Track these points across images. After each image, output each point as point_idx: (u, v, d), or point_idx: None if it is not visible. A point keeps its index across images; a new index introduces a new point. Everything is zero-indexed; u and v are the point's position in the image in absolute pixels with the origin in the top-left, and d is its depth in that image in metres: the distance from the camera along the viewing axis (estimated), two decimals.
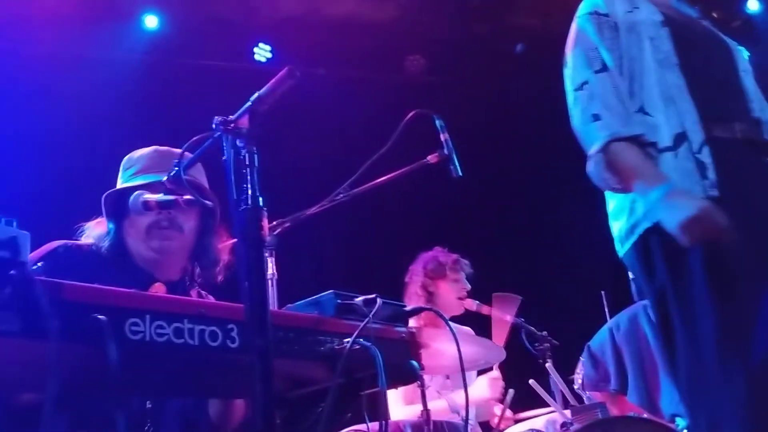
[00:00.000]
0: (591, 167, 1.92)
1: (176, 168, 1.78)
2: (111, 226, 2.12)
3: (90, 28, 5.00)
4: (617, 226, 2.00)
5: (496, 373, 3.50)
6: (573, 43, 2.09)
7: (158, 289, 2.05)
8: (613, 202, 2.03)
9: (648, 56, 1.99)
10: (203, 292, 2.25)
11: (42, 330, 1.20)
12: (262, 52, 5.39)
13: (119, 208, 2.10)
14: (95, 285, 1.36)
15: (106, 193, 2.14)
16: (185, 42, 5.27)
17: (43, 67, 4.76)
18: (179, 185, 1.84)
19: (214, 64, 5.31)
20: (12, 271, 1.19)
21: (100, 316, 1.28)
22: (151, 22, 5.16)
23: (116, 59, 5.10)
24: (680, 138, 1.90)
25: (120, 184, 2.19)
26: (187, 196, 1.95)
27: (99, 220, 2.15)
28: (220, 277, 2.26)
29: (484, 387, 3.55)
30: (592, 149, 1.92)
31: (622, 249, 1.98)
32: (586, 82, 2.00)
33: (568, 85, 2.09)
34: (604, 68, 1.99)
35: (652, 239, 1.86)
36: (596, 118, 1.93)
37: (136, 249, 2.12)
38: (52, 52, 4.81)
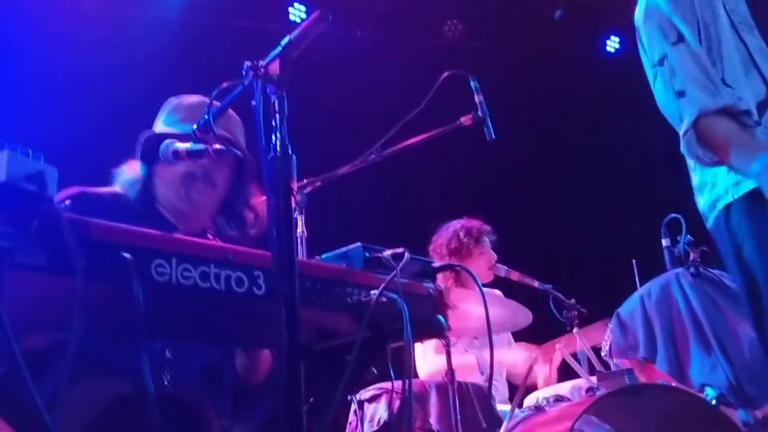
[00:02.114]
0: (683, 146, 1.86)
1: (205, 116, 1.76)
2: (142, 170, 2.10)
3: None
4: (701, 201, 1.96)
5: (535, 355, 3.47)
6: (643, 18, 1.99)
7: None
8: (696, 176, 1.98)
9: (724, 21, 1.91)
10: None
11: (67, 267, 1.20)
12: (297, 12, 5.34)
13: (154, 152, 2.07)
14: (121, 225, 1.35)
15: (144, 135, 2.11)
16: (221, 2, 5.24)
17: (84, 27, 4.78)
18: (209, 134, 1.83)
19: (249, 25, 5.27)
20: (39, 206, 1.18)
21: (126, 255, 1.27)
22: None
23: (154, 19, 5.10)
24: (763, 105, 1.83)
25: (159, 128, 2.16)
26: (217, 146, 1.94)
27: (132, 163, 2.13)
28: (253, 232, 2.22)
29: (519, 358, 3.55)
30: (682, 128, 1.85)
31: (708, 222, 1.95)
32: (665, 57, 1.91)
33: (646, 63, 2.01)
34: (681, 39, 1.90)
35: (737, 211, 1.82)
36: (681, 94, 1.85)
37: (164, 197, 2.10)
38: (94, 10, 4.82)
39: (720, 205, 1.86)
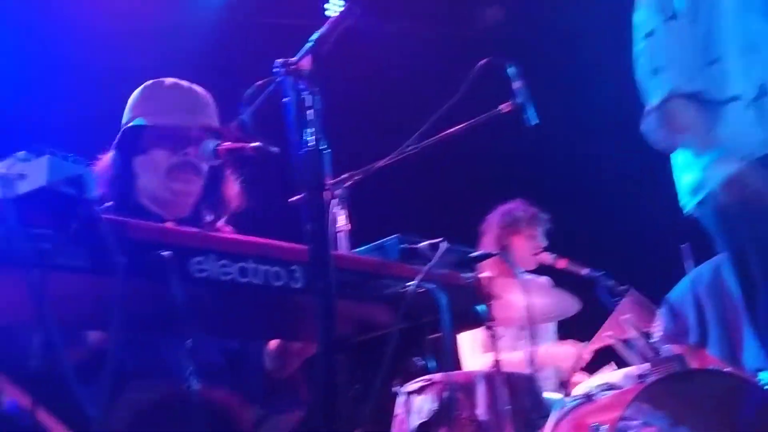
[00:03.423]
0: (645, 123, 1.83)
1: (242, 115, 1.78)
2: (119, 163, 2.03)
3: None
4: (685, 180, 1.91)
5: (585, 348, 3.42)
6: None
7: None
8: (680, 156, 1.94)
9: (727, 0, 1.86)
10: (220, 225, 2.19)
11: (108, 266, 1.23)
12: (334, 7, 5.35)
13: (133, 144, 2.03)
14: (160, 224, 1.38)
15: (127, 126, 2.05)
16: (258, 0, 5.29)
17: (121, 27, 4.87)
18: (246, 132, 1.85)
19: (287, 22, 5.31)
20: (78, 208, 1.22)
21: (164, 253, 1.30)
22: None
23: (191, 18, 5.17)
24: (765, 89, 1.78)
25: (137, 116, 2.08)
26: (255, 144, 1.96)
27: (104, 157, 2.06)
28: (222, 215, 2.18)
29: (567, 353, 3.50)
30: (648, 106, 1.83)
31: (689, 203, 1.91)
32: (653, 32, 1.88)
33: (637, 33, 1.98)
34: (675, 16, 1.86)
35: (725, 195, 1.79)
36: (657, 71, 1.83)
37: (147, 188, 2.05)
38: (131, 10, 4.91)
39: (708, 188, 1.81)
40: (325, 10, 5.38)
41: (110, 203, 1.90)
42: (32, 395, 1.14)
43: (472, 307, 1.75)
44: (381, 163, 2.75)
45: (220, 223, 2.15)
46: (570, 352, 3.54)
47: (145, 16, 4.97)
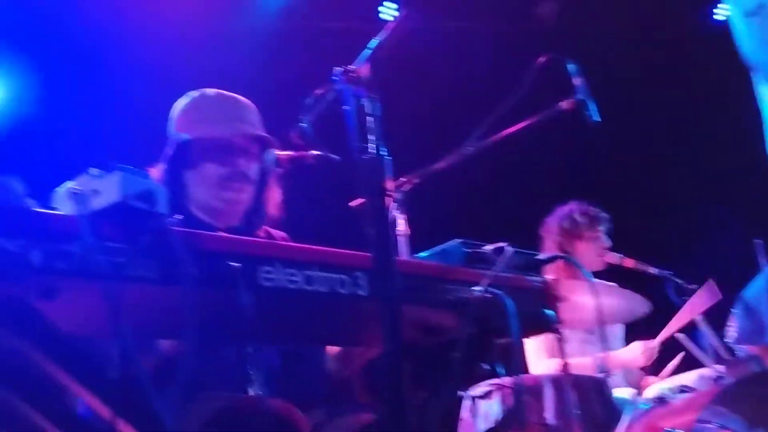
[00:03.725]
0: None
1: (302, 123, 1.80)
2: (170, 177, 2.06)
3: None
4: None
5: (654, 342, 3.34)
6: None
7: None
8: None
9: None
10: (272, 231, 2.21)
11: (178, 277, 1.26)
12: (388, 11, 5.36)
13: (183, 157, 2.07)
14: (228, 234, 1.41)
15: (179, 140, 2.08)
16: (312, 5, 5.33)
17: (177, 42, 4.98)
18: (308, 140, 1.86)
19: (340, 26, 5.34)
20: (150, 222, 1.25)
21: (234, 264, 1.32)
22: None
23: (247, 27, 5.25)
24: None
25: (184, 129, 2.10)
26: (316, 152, 1.97)
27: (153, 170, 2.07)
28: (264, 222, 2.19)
29: (637, 352, 3.41)
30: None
31: None
32: (763, 5, 1.78)
33: (735, 11, 1.88)
34: None
35: None
36: None
37: (200, 199, 2.08)
38: (187, 20, 5.02)
39: None
40: (379, 13, 5.39)
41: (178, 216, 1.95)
42: (110, 405, 1.17)
43: (540, 312, 1.72)
44: (439, 165, 2.73)
45: (274, 231, 2.18)
46: (638, 351, 3.44)
47: (201, 24, 5.07)
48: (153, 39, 4.90)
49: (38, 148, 4.67)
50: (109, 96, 4.86)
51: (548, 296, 1.80)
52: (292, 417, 1.65)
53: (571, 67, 2.66)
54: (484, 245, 1.69)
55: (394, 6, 5.43)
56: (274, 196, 2.19)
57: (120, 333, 1.17)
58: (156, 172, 2.06)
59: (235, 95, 2.19)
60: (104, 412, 1.23)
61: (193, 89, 2.27)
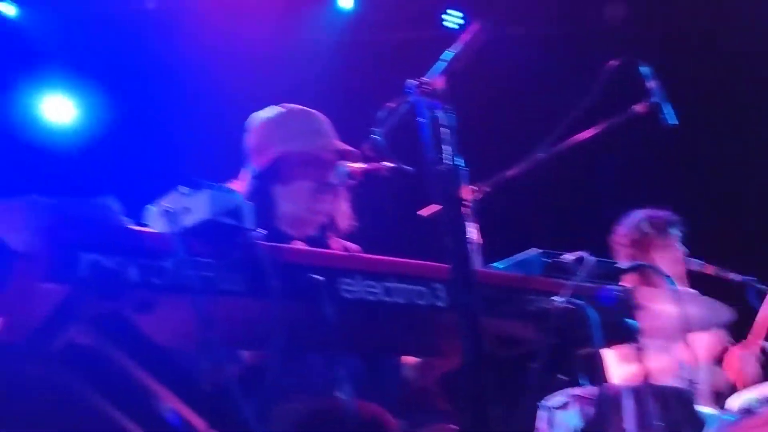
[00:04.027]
0: None
1: (375, 135, 1.82)
2: (258, 189, 2.09)
3: (287, 16, 5.27)
4: None
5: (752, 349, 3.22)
6: None
7: (298, 245, 2.06)
8: None
9: None
10: (347, 244, 2.23)
11: (264, 290, 1.29)
12: (452, 18, 5.35)
13: (272, 172, 2.11)
14: (310, 248, 1.44)
15: (271, 156, 2.12)
16: (377, 17, 5.37)
17: (244, 60, 5.10)
18: (380, 153, 1.88)
19: (403, 36, 5.37)
20: (238, 237, 1.29)
21: (316, 276, 1.34)
22: (345, 2, 5.33)
23: (313, 43, 5.34)
24: None
25: (271, 145, 2.14)
26: (389, 164, 1.99)
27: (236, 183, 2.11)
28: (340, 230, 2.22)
29: (735, 361, 3.30)
30: None
31: None
32: None
33: None
34: None
35: None
36: None
37: (288, 211, 2.11)
38: (251, 41, 5.13)
39: None
40: (443, 21, 5.39)
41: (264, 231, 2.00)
42: (204, 416, 1.21)
43: (622, 321, 1.69)
44: (510, 173, 2.71)
45: (349, 244, 2.21)
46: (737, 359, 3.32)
47: (269, 42, 5.18)
48: (224, 57, 5.04)
49: (119, 166, 4.87)
50: (181, 113, 5.03)
51: (630, 305, 1.76)
52: (384, 420, 1.67)
53: (644, 69, 2.61)
54: (563, 254, 1.67)
55: (459, 14, 5.43)
56: (345, 208, 2.22)
57: (210, 345, 1.20)
58: (238, 185, 2.10)
59: (313, 110, 2.24)
60: (198, 423, 1.27)
61: (265, 105, 2.32)
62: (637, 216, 3.61)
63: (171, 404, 1.31)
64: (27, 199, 1.19)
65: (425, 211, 2.35)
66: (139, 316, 1.23)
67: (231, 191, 1.30)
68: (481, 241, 2.57)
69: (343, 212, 2.21)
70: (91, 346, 1.36)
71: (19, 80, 4.98)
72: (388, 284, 1.47)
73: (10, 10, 4.97)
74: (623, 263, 1.82)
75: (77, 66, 5.10)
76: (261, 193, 2.09)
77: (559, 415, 2.87)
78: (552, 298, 1.60)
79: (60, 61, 5.06)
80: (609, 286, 1.86)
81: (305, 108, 2.24)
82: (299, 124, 2.18)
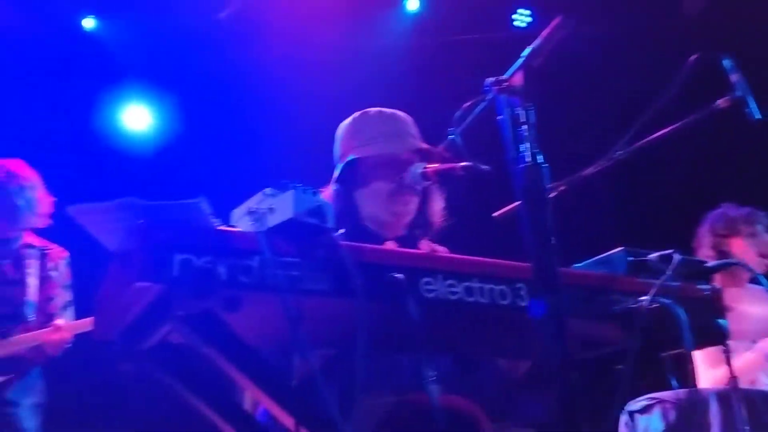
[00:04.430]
0: None
1: (452, 135, 1.81)
2: (339, 192, 2.13)
3: (357, 21, 5.32)
4: None
5: None
6: None
7: (390, 246, 2.06)
8: None
9: None
10: (435, 246, 2.20)
11: (347, 289, 1.30)
12: (522, 18, 5.30)
13: (352, 177, 2.14)
14: (390, 247, 1.44)
15: (346, 160, 2.15)
16: (445, 18, 5.36)
17: (313, 64, 5.17)
18: (456, 152, 1.87)
19: (474, 37, 5.34)
20: (321, 236, 1.30)
21: (398, 275, 1.35)
22: (412, 4, 5.35)
23: (381, 47, 5.36)
24: None
25: (350, 150, 2.17)
26: (464, 164, 1.98)
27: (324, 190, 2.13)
28: (432, 229, 2.23)
29: None
30: None
31: None
32: None
33: None
34: None
35: None
36: None
37: (370, 213, 2.13)
38: (322, 47, 5.20)
39: None
40: (513, 21, 5.34)
41: (342, 230, 2.02)
42: (292, 413, 1.22)
43: (711, 322, 1.63)
44: (587, 171, 2.65)
45: (436, 246, 2.20)
46: None
47: (340, 48, 5.23)
48: (296, 64, 5.12)
49: (201, 170, 5.02)
50: (255, 120, 5.14)
51: (720, 305, 1.70)
52: (477, 417, 1.66)
53: (726, 63, 2.51)
54: (649, 253, 1.62)
55: (527, 12, 5.36)
56: (437, 207, 2.22)
57: (297, 343, 1.22)
58: (327, 192, 2.13)
59: (394, 111, 2.25)
60: (286, 419, 1.29)
61: (337, 110, 2.35)
62: (721, 213, 3.49)
63: (260, 402, 1.34)
64: (122, 201, 1.23)
65: (500, 213, 2.32)
66: (228, 314, 1.26)
67: (314, 192, 1.32)
68: (554, 240, 2.52)
69: (433, 211, 2.22)
70: (183, 344, 1.41)
71: (100, 91, 5.19)
72: (469, 283, 1.46)
73: (90, 24, 5.19)
74: (711, 262, 1.75)
75: (154, 76, 5.29)
76: (344, 197, 2.13)
77: (640, 419, 2.79)
78: (637, 298, 1.56)
79: (137, 71, 5.26)
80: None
81: (383, 110, 2.24)
82: (374, 127, 2.19)
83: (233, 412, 1.45)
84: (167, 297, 1.22)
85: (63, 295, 3.45)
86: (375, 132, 2.17)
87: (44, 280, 3.42)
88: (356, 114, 2.27)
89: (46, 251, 3.48)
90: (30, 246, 3.46)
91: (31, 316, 3.32)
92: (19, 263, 3.40)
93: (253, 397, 1.72)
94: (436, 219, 2.23)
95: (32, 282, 3.37)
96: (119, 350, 1.44)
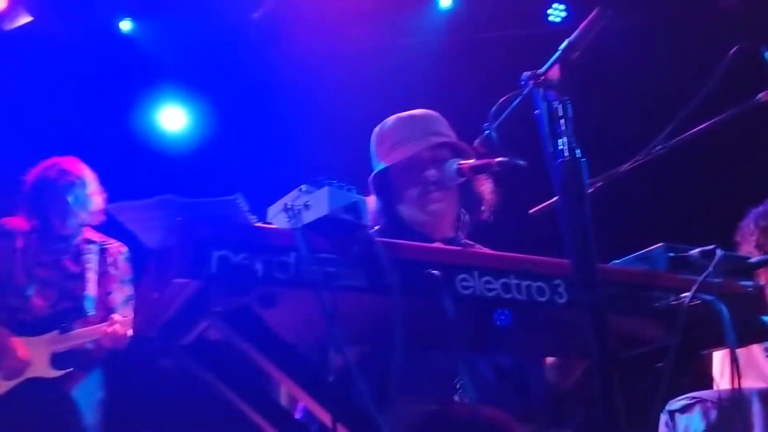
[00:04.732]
0: None
1: (487, 130, 1.79)
2: (380, 203, 2.15)
3: (390, 19, 5.31)
4: None
5: None
6: None
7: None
8: None
9: None
10: (471, 242, 2.22)
11: (383, 286, 1.30)
12: (557, 12, 5.24)
13: (384, 187, 2.15)
14: (426, 244, 1.44)
15: (372, 174, 2.17)
16: (479, 15, 5.33)
17: (346, 62, 5.17)
18: (491, 147, 1.85)
19: (509, 33, 5.29)
20: (356, 233, 1.30)
21: (434, 272, 1.34)
22: (445, 1, 5.32)
23: (416, 44, 5.35)
24: None
25: (379, 161, 2.19)
26: (500, 159, 1.96)
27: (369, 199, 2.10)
28: (485, 216, 2.22)
29: None
30: None
31: None
32: None
33: None
34: None
35: None
36: None
37: (411, 217, 2.13)
38: (355, 45, 5.20)
39: None
40: (548, 16, 5.28)
41: (377, 227, 2.02)
42: (330, 409, 1.22)
43: (754, 319, 1.59)
44: (625, 167, 2.61)
45: (483, 248, 2.18)
46: None
47: (375, 45, 5.24)
48: (331, 63, 5.14)
49: (236, 169, 5.07)
50: (288, 119, 5.17)
51: (762, 302, 1.66)
52: (508, 427, 1.64)
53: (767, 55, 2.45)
54: (690, 248, 1.59)
55: (562, 7, 5.30)
56: (483, 204, 2.22)
57: (334, 339, 1.22)
58: (370, 203, 2.13)
59: (412, 112, 2.24)
60: (323, 415, 1.30)
61: (373, 107, 2.34)
62: (765, 208, 3.41)
63: (297, 398, 1.34)
64: (160, 198, 1.24)
65: (536, 210, 2.30)
66: (264, 310, 1.26)
67: (349, 188, 1.32)
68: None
69: (478, 209, 2.21)
70: (221, 340, 1.42)
71: (137, 93, 5.28)
72: (506, 280, 1.44)
73: (127, 26, 5.27)
74: (754, 258, 1.71)
75: (189, 77, 5.35)
76: (385, 208, 2.14)
77: (681, 418, 2.75)
78: (678, 294, 1.52)
79: (173, 73, 5.33)
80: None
81: (401, 115, 2.24)
82: (392, 134, 2.19)
83: (270, 408, 1.46)
84: (205, 293, 1.23)
85: (122, 290, 3.50)
86: (395, 138, 2.17)
87: (103, 274, 3.48)
88: (379, 125, 2.28)
89: (105, 246, 3.54)
90: (89, 241, 3.52)
91: (91, 310, 3.38)
92: (78, 258, 3.46)
93: (289, 393, 1.73)
94: (482, 216, 2.22)
95: (92, 277, 3.43)
96: (158, 346, 1.45)
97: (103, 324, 3.31)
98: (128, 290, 3.50)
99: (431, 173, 2.10)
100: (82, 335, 3.31)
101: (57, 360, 3.29)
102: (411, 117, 2.22)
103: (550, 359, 1.98)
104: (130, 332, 3.29)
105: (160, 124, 5.49)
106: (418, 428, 1.62)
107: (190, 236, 1.19)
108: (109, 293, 3.48)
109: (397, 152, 2.13)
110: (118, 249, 3.56)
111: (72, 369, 3.30)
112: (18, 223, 3.50)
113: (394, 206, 2.15)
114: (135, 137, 5.26)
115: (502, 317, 1.39)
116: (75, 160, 3.59)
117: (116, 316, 3.31)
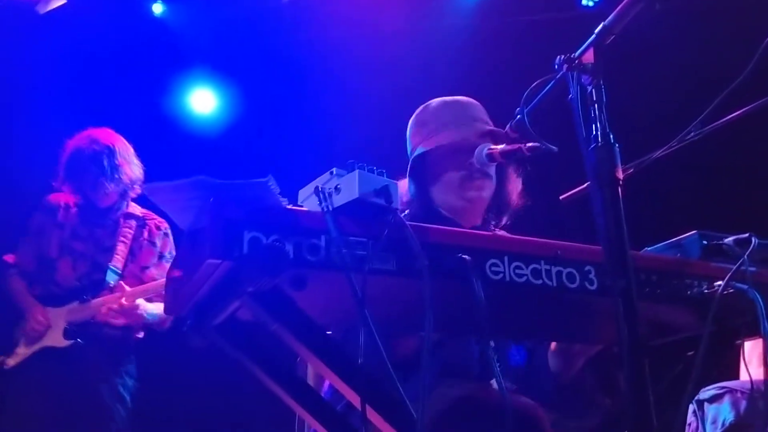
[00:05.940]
0: None
1: (519, 115, 1.77)
2: (413, 186, 2.13)
3: (419, 1, 5.28)
4: None
5: None
6: None
7: None
8: None
9: None
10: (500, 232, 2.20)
11: (413, 269, 1.30)
12: None
13: (422, 170, 2.13)
14: (456, 228, 1.43)
15: (414, 155, 2.15)
16: (509, 1, 5.27)
17: (377, 45, 5.15)
18: (523, 132, 1.84)
19: (541, 18, 5.23)
20: (387, 216, 1.30)
21: (464, 256, 1.33)
22: None
23: (447, 27, 5.31)
24: None
25: (418, 144, 2.17)
26: (531, 144, 1.94)
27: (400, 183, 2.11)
28: (504, 221, 2.19)
29: None
30: None
31: None
32: None
33: None
34: None
35: None
36: None
37: (445, 202, 2.12)
38: (386, 28, 5.17)
39: None
40: (580, 0, 5.21)
41: (407, 211, 2.01)
42: (359, 391, 1.23)
43: None
44: (658, 153, 2.57)
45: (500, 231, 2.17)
46: None
47: (406, 29, 5.20)
48: (359, 48, 5.12)
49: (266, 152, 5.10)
50: (315, 104, 5.18)
51: None
52: (536, 415, 1.64)
53: None
54: (723, 237, 1.56)
55: None
56: (515, 189, 2.20)
57: (364, 322, 1.23)
58: (402, 186, 2.12)
59: (457, 98, 2.23)
60: (353, 397, 1.30)
61: (407, 89, 2.33)
62: None
63: (326, 379, 1.35)
64: (193, 179, 1.25)
65: (567, 196, 2.27)
66: (294, 292, 1.27)
67: (380, 172, 1.32)
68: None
69: (510, 197, 2.20)
70: (251, 321, 1.43)
71: (169, 76, 5.32)
72: (536, 266, 1.43)
73: (159, 9, 5.31)
74: None
75: (219, 61, 5.37)
76: (419, 192, 2.13)
77: (710, 408, 2.72)
78: (711, 282, 1.50)
79: (203, 56, 5.36)
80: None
81: (445, 99, 2.22)
82: (437, 118, 2.17)
83: (297, 387, 1.48)
84: (236, 274, 1.24)
85: (160, 266, 3.49)
86: (440, 122, 2.15)
87: (138, 249, 3.47)
88: (420, 108, 2.25)
89: (145, 221, 3.52)
90: (130, 216, 3.50)
91: (113, 282, 3.36)
92: (113, 231, 3.45)
93: (316, 373, 1.75)
94: (513, 204, 2.21)
95: (122, 249, 3.42)
96: (190, 326, 1.47)
97: (114, 294, 3.28)
98: (167, 266, 3.46)
99: (474, 160, 2.07)
100: (95, 305, 3.30)
101: (69, 330, 3.29)
102: (456, 102, 2.21)
103: (552, 348, 1.97)
104: (142, 310, 3.29)
105: (191, 107, 5.53)
106: (447, 412, 1.63)
107: (222, 217, 1.20)
108: (146, 268, 3.47)
109: (442, 136, 2.11)
110: (156, 224, 3.54)
111: (77, 340, 3.27)
112: (61, 197, 3.50)
113: (428, 190, 2.14)
114: (166, 120, 5.30)
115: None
116: (107, 130, 3.54)
117: (126, 286, 3.29)
